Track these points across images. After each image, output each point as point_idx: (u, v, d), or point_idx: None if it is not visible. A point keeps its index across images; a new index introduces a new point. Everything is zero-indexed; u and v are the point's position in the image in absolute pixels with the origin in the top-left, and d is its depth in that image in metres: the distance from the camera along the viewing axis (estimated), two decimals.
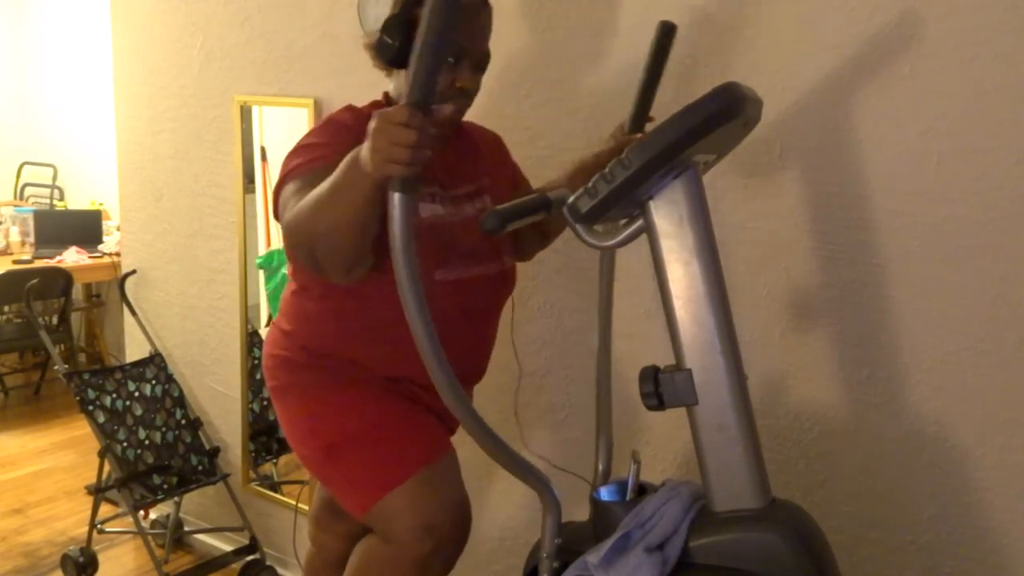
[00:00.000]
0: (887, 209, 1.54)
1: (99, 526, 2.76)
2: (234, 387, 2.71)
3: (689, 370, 1.24)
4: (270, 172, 2.62)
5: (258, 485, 2.73)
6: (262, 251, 2.64)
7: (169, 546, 2.79)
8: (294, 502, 2.42)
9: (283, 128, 2.54)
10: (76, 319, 5.00)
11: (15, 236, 4.83)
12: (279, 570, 2.65)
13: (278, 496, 2.70)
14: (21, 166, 5.72)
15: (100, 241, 4.72)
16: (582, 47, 1.86)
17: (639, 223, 1.27)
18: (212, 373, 2.78)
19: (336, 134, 1.44)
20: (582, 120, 1.87)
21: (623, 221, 1.31)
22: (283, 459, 2.80)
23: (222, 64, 2.55)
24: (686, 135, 1.15)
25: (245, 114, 2.54)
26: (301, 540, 2.02)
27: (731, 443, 1.23)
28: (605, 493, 1.40)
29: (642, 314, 1.83)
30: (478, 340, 1.63)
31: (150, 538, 2.61)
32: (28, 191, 5.68)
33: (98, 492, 2.71)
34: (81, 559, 2.67)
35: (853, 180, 1.56)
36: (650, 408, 1.26)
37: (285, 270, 1.55)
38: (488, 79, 1.54)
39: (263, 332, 2.67)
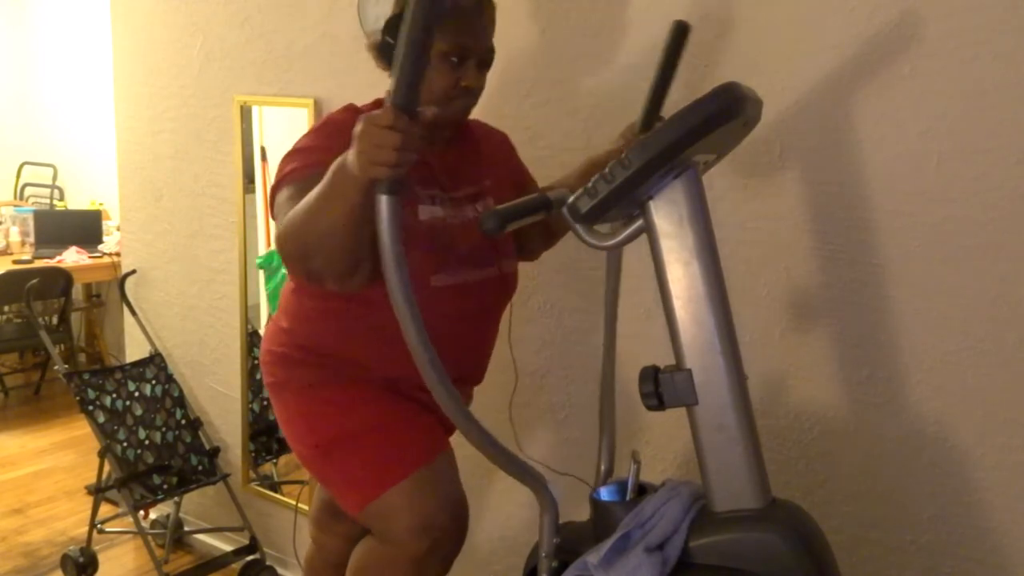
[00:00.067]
0: (887, 209, 1.54)
1: (99, 526, 2.76)
2: (234, 387, 2.71)
3: (689, 370, 1.24)
4: (270, 172, 2.62)
5: (258, 485, 2.73)
6: (262, 251, 2.64)
7: (169, 546, 2.79)
8: (294, 502, 2.42)
9: (283, 128, 2.54)
10: (76, 319, 5.01)
11: (15, 236, 4.83)
12: (279, 570, 2.65)
13: (278, 496, 2.70)
14: (21, 166, 5.72)
15: (100, 241, 4.72)
16: (582, 47, 1.86)
17: (639, 223, 1.27)
18: (212, 373, 2.78)
19: (333, 136, 1.44)
20: (582, 120, 1.87)
21: (623, 221, 1.31)
22: (283, 459, 2.80)
23: (222, 64, 2.55)
24: (686, 135, 1.15)
25: (245, 114, 2.54)
26: (301, 540, 2.02)
27: (731, 443, 1.23)
28: (605, 493, 1.40)
29: (642, 314, 1.83)
30: (478, 342, 1.63)
31: (150, 538, 2.61)
32: (28, 191, 5.68)
33: (98, 492, 2.71)
34: (81, 559, 2.67)
35: (853, 180, 1.56)
36: (650, 408, 1.26)
37: (285, 270, 1.55)
38: (488, 79, 1.54)
39: (263, 332, 2.67)
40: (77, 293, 4.86)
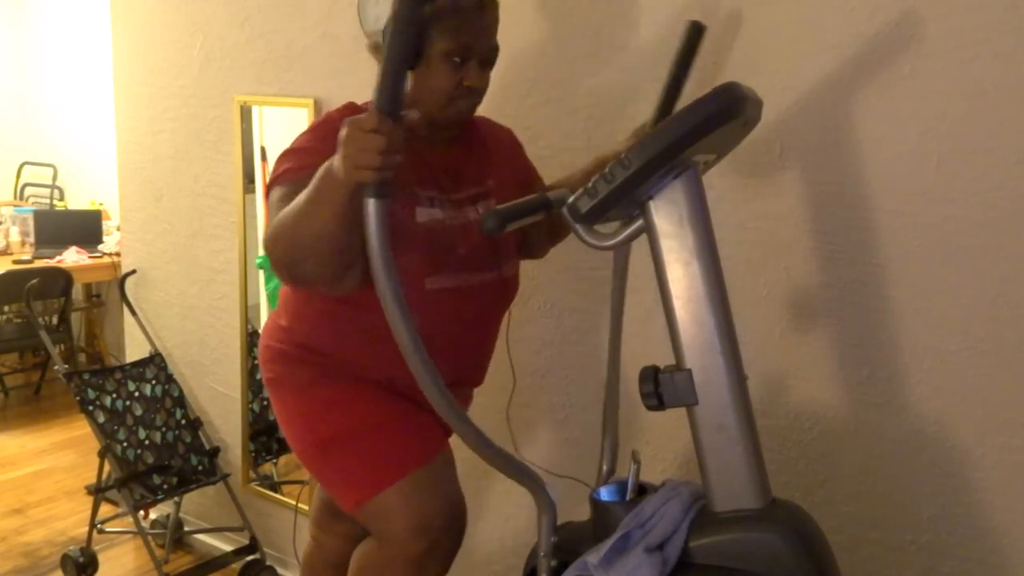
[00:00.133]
0: (887, 209, 1.54)
1: (99, 526, 2.76)
2: (234, 387, 2.71)
3: (689, 370, 1.24)
4: (270, 172, 2.62)
5: (258, 485, 2.73)
6: (262, 251, 2.63)
7: (169, 546, 2.79)
8: (294, 502, 2.42)
9: (283, 128, 2.54)
10: (76, 319, 5.01)
11: (15, 236, 4.83)
12: (279, 570, 2.65)
13: (278, 496, 2.70)
14: (21, 166, 5.72)
15: (100, 241, 4.72)
16: (582, 47, 1.86)
17: (639, 223, 1.27)
18: (212, 373, 2.78)
19: (329, 137, 1.43)
20: (582, 120, 1.87)
21: (623, 221, 1.31)
22: (283, 459, 2.80)
23: (222, 64, 2.55)
24: (686, 135, 1.15)
25: (245, 114, 2.54)
26: (301, 540, 2.01)
27: (731, 443, 1.23)
28: (605, 493, 1.40)
29: (642, 314, 1.82)
30: (477, 345, 1.62)
31: (150, 538, 2.61)
32: (28, 191, 5.68)
33: (98, 492, 2.71)
34: (81, 559, 2.67)
35: (853, 180, 1.56)
36: (650, 408, 1.26)
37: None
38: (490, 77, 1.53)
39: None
40: (77, 293, 4.86)
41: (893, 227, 1.53)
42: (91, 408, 2.64)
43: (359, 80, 2.08)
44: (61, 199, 5.53)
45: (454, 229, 1.51)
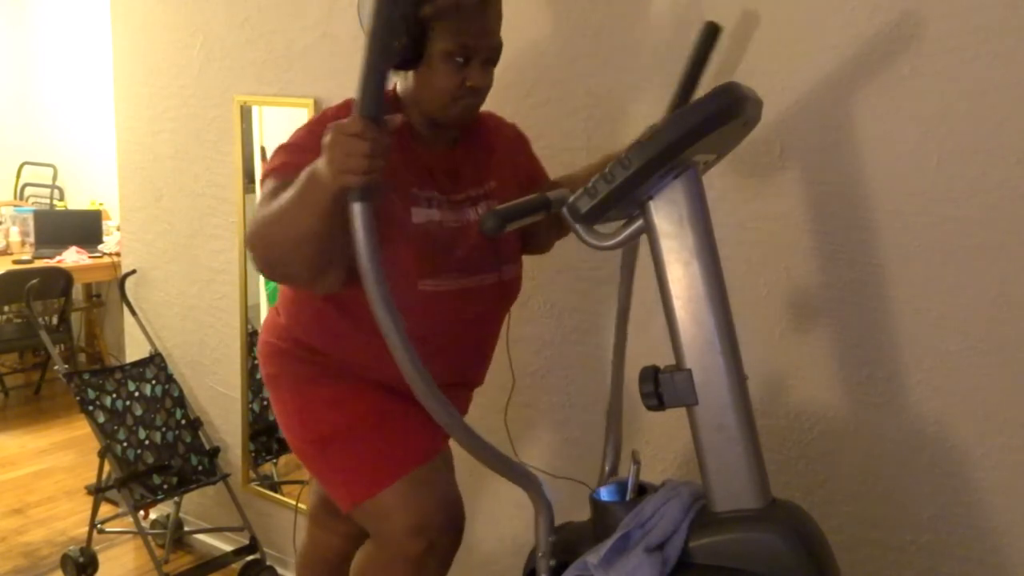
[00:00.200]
0: (887, 209, 1.54)
1: (99, 526, 2.76)
2: (234, 387, 2.71)
3: (689, 370, 1.24)
4: None
5: (258, 485, 2.73)
6: None
7: (169, 546, 2.79)
8: (294, 502, 2.42)
9: (283, 128, 2.53)
10: (76, 319, 5.01)
11: (15, 236, 4.83)
12: (279, 570, 2.65)
13: (278, 496, 2.70)
14: (21, 166, 5.72)
15: (100, 241, 4.72)
16: (582, 47, 1.86)
17: (639, 223, 1.27)
18: (212, 373, 2.78)
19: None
20: (582, 120, 1.87)
21: (623, 221, 1.31)
22: (283, 459, 2.80)
23: (222, 64, 2.55)
24: (686, 135, 1.15)
25: (245, 114, 2.54)
26: (301, 540, 2.01)
27: (731, 443, 1.23)
28: (605, 493, 1.40)
29: (642, 314, 1.82)
30: (476, 347, 1.61)
31: (150, 538, 2.61)
32: (28, 191, 5.68)
33: (98, 492, 2.71)
34: (81, 559, 2.67)
35: (853, 180, 1.56)
36: (650, 408, 1.26)
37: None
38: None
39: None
40: (77, 293, 4.86)
41: (893, 227, 1.53)
42: (91, 408, 2.64)
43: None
44: (61, 199, 5.53)
45: (452, 230, 1.50)
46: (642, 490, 1.38)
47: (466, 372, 1.63)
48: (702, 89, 1.57)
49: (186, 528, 2.88)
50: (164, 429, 2.73)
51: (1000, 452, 1.49)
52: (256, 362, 2.65)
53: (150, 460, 2.65)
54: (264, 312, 2.68)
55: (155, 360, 2.85)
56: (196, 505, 2.87)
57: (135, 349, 2.99)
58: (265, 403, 2.70)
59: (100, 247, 4.65)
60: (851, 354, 1.61)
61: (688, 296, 1.23)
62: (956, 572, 1.55)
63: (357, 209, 1.18)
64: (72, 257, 4.49)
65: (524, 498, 1.39)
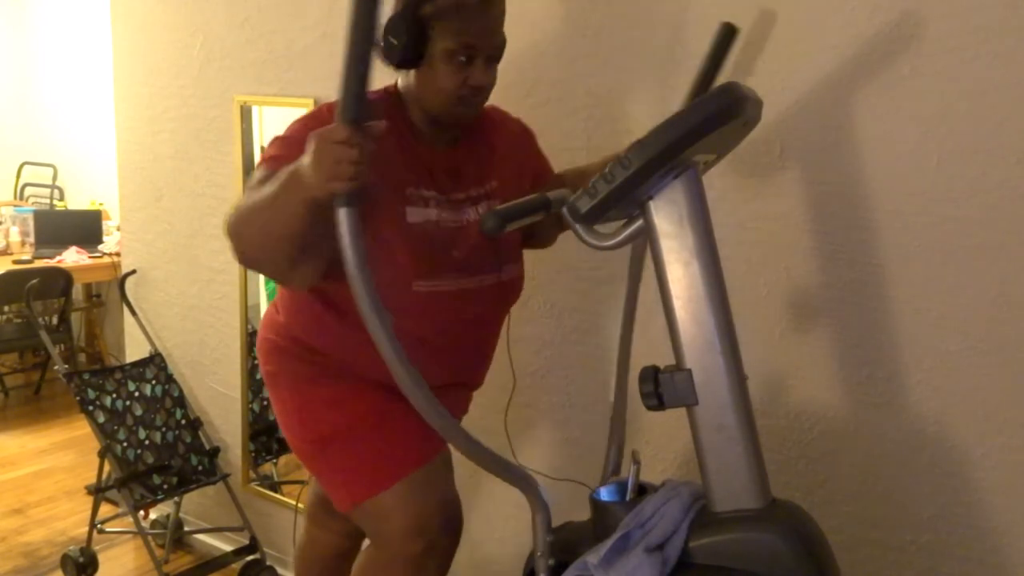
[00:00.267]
0: (887, 209, 1.54)
1: (99, 526, 2.76)
2: (234, 387, 2.71)
3: (689, 370, 1.24)
4: None
5: (258, 485, 2.73)
6: None
7: (169, 546, 2.79)
8: (294, 502, 2.42)
9: (283, 128, 2.53)
10: (76, 319, 5.01)
11: (15, 236, 4.83)
12: (279, 570, 2.65)
13: (278, 496, 2.70)
14: (21, 166, 5.72)
15: (100, 241, 4.72)
16: (582, 47, 1.86)
17: (639, 223, 1.27)
18: (212, 373, 2.78)
19: None
20: (582, 120, 1.87)
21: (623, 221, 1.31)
22: (283, 459, 2.80)
23: (222, 64, 2.55)
24: (686, 135, 1.15)
25: (245, 114, 2.54)
26: (299, 537, 2.01)
27: (731, 443, 1.23)
28: (605, 493, 1.40)
29: (642, 314, 1.82)
30: (476, 347, 1.61)
31: (150, 538, 2.61)
32: (28, 191, 5.68)
33: (98, 492, 2.71)
34: (81, 559, 2.67)
35: (853, 180, 1.56)
36: (650, 408, 1.26)
37: None
38: None
39: None
40: (77, 293, 4.86)
41: (893, 227, 1.53)
42: (91, 408, 2.64)
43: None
44: (61, 199, 5.53)
45: (450, 230, 1.49)
46: (642, 490, 1.38)
47: (466, 373, 1.63)
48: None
49: (186, 528, 2.88)
50: (164, 429, 2.73)
51: (1000, 452, 1.49)
52: (256, 362, 2.66)
53: (150, 460, 2.65)
54: (264, 312, 2.68)
55: (155, 360, 2.85)
56: (196, 505, 2.87)
57: (135, 349, 2.99)
58: (265, 403, 2.70)
59: (100, 247, 4.65)
60: (851, 354, 1.61)
61: (688, 296, 1.23)
62: (956, 572, 1.55)
63: (344, 214, 1.18)
64: (72, 257, 4.49)
65: (524, 498, 1.39)
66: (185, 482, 2.68)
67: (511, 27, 1.47)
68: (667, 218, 1.23)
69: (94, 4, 5.06)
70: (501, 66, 1.48)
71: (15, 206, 5.28)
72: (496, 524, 2.16)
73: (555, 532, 1.40)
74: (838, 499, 1.65)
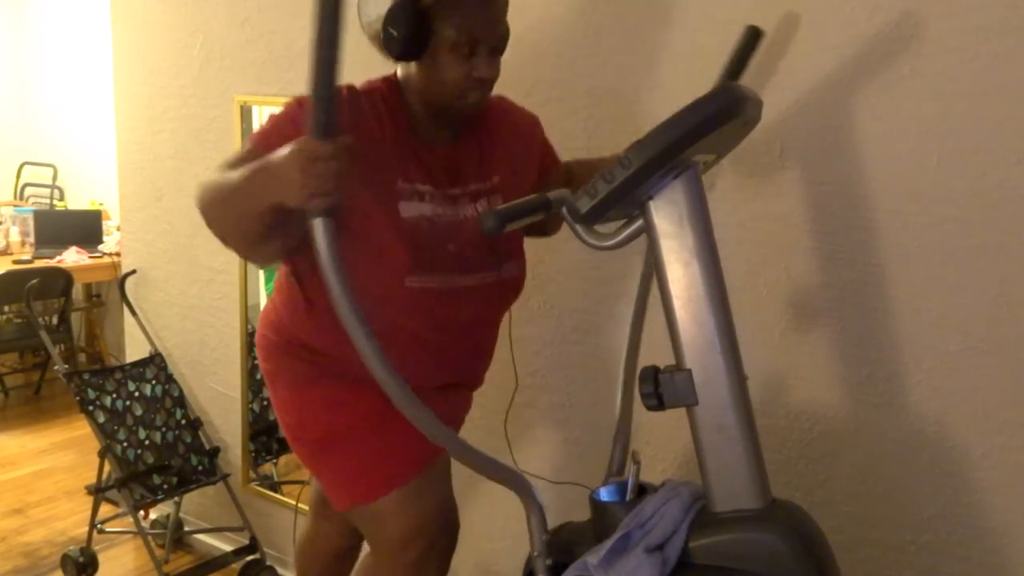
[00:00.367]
0: (887, 209, 1.54)
1: (99, 526, 2.76)
2: (234, 387, 2.71)
3: (689, 370, 1.24)
4: None
5: (258, 485, 2.73)
6: None
7: (169, 546, 2.79)
8: (294, 502, 2.42)
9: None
10: (76, 319, 5.00)
11: (15, 236, 4.83)
12: (279, 570, 2.65)
13: (278, 496, 2.70)
14: (21, 166, 5.72)
15: (100, 241, 4.72)
16: (582, 47, 1.85)
17: (639, 223, 1.27)
18: (212, 373, 2.78)
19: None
20: (582, 120, 1.87)
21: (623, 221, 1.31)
22: (283, 459, 2.80)
23: (222, 64, 2.55)
24: (686, 135, 1.15)
25: (245, 114, 2.54)
26: (301, 531, 2.01)
27: (731, 443, 1.23)
28: (605, 493, 1.40)
29: None
30: (475, 347, 1.59)
31: (150, 538, 2.61)
32: (28, 191, 5.68)
33: (98, 492, 2.71)
34: (81, 559, 2.67)
35: (853, 180, 1.56)
36: (650, 408, 1.26)
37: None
38: None
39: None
40: (77, 293, 4.86)
41: (893, 227, 1.53)
42: (91, 408, 2.64)
43: (359, 79, 2.08)
44: (61, 199, 5.53)
45: (445, 226, 1.45)
46: (642, 490, 1.38)
47: (465, 372, 1.62)
48: (693, 89, 1.57)
49: (186, 528, 2.88)
50: (164, 429, 2.73)
51: (1000, 452, 1.49)
52: (256, 362, 2.66)
53: (150, 460, 2.65)
54: None
55: (155, 360, 2.85)
56: (196, 505, 2.87)
57: (135, 349, 2.99)
58: (265, 403, 2.70)
59: (100, 247, 4.65)
60: (851, 354, 1.61)
61: (688, 296, 1.23)
62: (956, 572, 1.55)
63: (320, 225, 1.19)
64: (72, 257, 4.49)
65: None
66: (185, 482, 2.68)
67: (512, 27, 1.47)
68: (667, 218, 1.23)
69: (94, 4, 5.06)
70: (502, 66, 1.47)
71: (15, 206, 5.28)
72: (496, 524, 2.15)
73: (554, 532, 1.40)
74: (838, 499, 1.65)
